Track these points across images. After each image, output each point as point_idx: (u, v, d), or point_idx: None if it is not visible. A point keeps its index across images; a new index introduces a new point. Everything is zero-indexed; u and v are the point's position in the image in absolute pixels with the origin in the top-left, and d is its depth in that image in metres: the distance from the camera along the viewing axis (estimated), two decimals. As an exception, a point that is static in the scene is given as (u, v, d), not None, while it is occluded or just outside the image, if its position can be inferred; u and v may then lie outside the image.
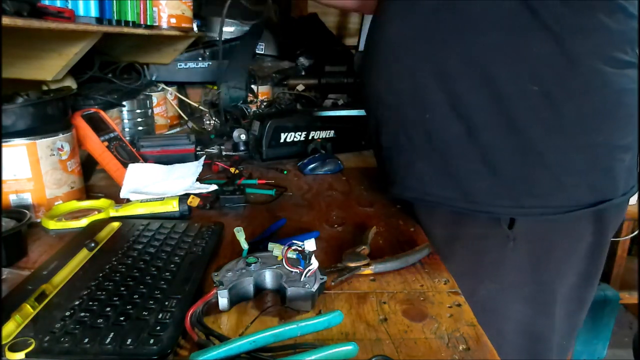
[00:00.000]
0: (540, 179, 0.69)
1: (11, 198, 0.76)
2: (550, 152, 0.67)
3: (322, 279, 0.55)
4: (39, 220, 0.77)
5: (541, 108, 0.66)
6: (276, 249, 0.59)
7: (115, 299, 0.52)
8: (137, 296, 0.53)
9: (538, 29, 0.63)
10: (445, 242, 0.77)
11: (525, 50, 0.65)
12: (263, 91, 1.61)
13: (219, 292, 0.52)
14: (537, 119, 0.66)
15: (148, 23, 1.15)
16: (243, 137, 1.19)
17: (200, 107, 1.43)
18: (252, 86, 1.47)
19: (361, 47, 1.87)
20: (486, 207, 0.72)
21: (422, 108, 0.72)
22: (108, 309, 0.50)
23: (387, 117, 0.78)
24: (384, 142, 0.80)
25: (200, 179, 0.95)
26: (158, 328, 0.47)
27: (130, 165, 0.92)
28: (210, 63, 1.60)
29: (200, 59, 1.60)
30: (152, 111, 1.32)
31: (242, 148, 1.19)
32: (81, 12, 0.88)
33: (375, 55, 0.77)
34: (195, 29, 1.45)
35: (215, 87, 1.68)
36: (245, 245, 0.61)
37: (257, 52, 1.81)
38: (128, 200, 0.84)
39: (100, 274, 0.57)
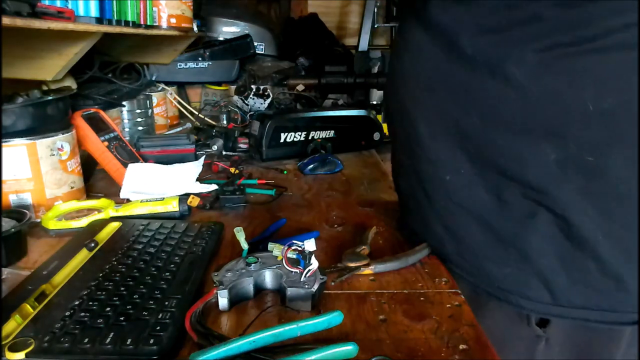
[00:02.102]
0: (587, 270, 0.53)
1: (11, 198, 0.76)
2: (601, 233, 0.51)
3: (322, 279, 0.55)
4: (39, 220, 0.77)
5: (583, 173, 0.50)
6: (276, 249, 0.59)
7: (115, 299, 0.52)
8: (137, 296, 0.53)
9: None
10: (473, 307, 0.65)
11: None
12: (263, 91, 1.62)
13: (219, 292, 0.52)
14: (579, 190, 0.50)
15: (148, 23, 1.15)
16: (215, 147, 1.20)
17: (229, 105, 1.42)
18: (252, 86, 1.47)
19: (361, 47, 1.87)
20: (513, 298, 0.58)
21: (442, 167, 0.60)
22: (108, 309, 0.50)
23: (406, 164, 0.68)
24: (402, 187, 0.72)
25: (200, 179, 0.95)
26: (158, 328, 0.47)
27: (130, 165, 0.92)
28: (210, 63, 1.60)
29: (200, 59, 1.60)
30: (152, 111, 1.32)
31: (223, 153, 1.21)
32: (81, 12, 0.88)
33: (392, 94, 0.68)
34: (195, 29, 1.45)
35: (216, 87, 1.68)
36: (245, 245, 0.61)
37: (257, 52, 1.81)
38: (128, 200, 0.84)
39: (100, 274, 0.57)
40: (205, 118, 1.50)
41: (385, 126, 1.42)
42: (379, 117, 1.40)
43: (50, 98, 0.79)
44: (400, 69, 0.65)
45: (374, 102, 1.52)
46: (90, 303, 0.51)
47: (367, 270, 0.62)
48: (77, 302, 0.51)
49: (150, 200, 0.80)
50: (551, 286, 0.55)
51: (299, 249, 0.57)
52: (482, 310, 0.61)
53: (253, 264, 0.57)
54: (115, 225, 0.73)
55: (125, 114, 1.20)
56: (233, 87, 1.62)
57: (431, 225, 0.65)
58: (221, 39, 1.77)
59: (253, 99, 1.43)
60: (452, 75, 0.56)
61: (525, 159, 0.52)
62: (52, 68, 0.91)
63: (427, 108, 0.61)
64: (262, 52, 1.86)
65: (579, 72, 0.47)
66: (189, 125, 1.52)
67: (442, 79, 0.58)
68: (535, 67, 0.49)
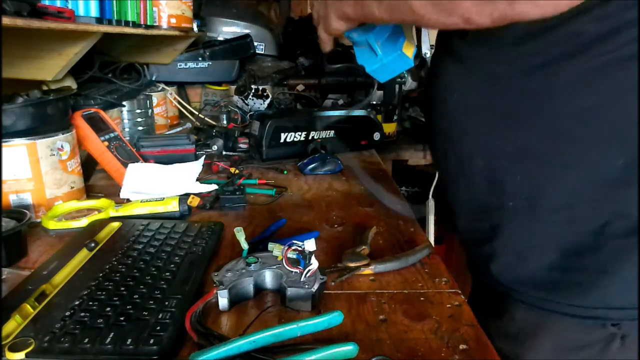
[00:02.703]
0: None
1: (11, 198, 0.76)
2: None
3: (322, 279, 0.55)
4: (39, 220, 0.77)
5: None
6: (276, 249, 0.59)
7: (115, 299, 0.52)
8: (137, 296, 0.53)
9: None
10: (526, 327, 0.63)
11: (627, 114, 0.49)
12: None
13: (219, 292, 0.52)
14: None
15: (148, 23, 1.15)
16: (215, 147, 1.20)
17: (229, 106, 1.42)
18: (252, 86, 1.47)
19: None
20: (600, 312, 0.57)
21: (501, 194, 0.59)
22: (108, 309, 0.50)
23: (463, 200, 0.66)
24: (460, 226, 0.70)
25: (200, 179, 0.95)
26: (158, 328, 0.47)
27: (130, 165, 0.92)
28: (210, 63, 1.60)
29: (200, 59, 1.60)
30: (152, 111, 1.32)
31: (223, 153, 1.21)
32: (81, 12, 0.88)
33: (437, 132, 0.67)
34: (195, 29, 1.45)
35: (216, 87, 1.68)
36: (245, 245, 0.61)
37: (257, 52, 1.81)
38: (128, 200, 0.84)
39: (100, 274, 0.57)
40: (205, 118, 1.50)
41: (385, 126, 1.42)
42: (379, 117, 1.40)
43: (50, 98, 0.79)
44: (443, 106, 0.64)
45: (374, 102, 1.52)
46: (90, 303, 0.51)
47: (367, 270, 0.62)
48: (77, 302, 0.51)
49: (150, 200, 0.80)
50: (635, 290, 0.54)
51: (299, 249, 0.57)
52: (544, 329, 0.61)
53: (253, 264, 0.57)
54: (115, 225, 0.73)
55: (125, 114, 1.20)
56: (233, 87, 1.62)
57: (500, 254, 0.63)
58: (221, 39, 1.77)
59: (252, 99, 1.43)
60: (501, 101, 0.56)
61: (593, 168, 0.53)
62: (52, 68, 0.91)
63: (481, 139, 0.60)
64: (262, 52, 1.85)
65: (631, 76, 0.48)
66: (189, 125, 1.52)
67: (490, 106, 0.58)
68: (585, 78, 0.50)
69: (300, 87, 1.59)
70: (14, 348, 0.43)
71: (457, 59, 0.61)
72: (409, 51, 0.62)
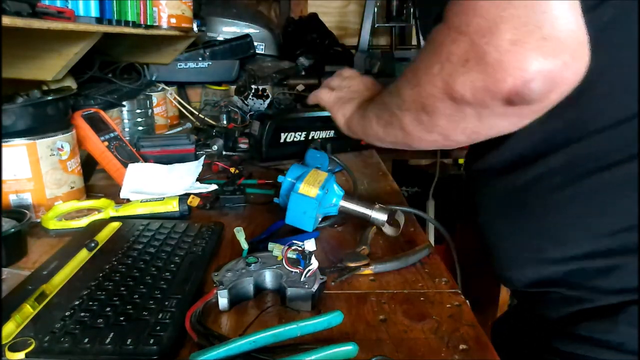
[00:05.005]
0: None
1: (11, 198, 0.76)
2: None
3: (322, 279, 0.55)
4: (39, 220, 0.77)
5: None
6: (276, 249, 0.59)
7: (115, 299, 0.52)
8: (137, 296, 0.53)
9: None
10: None
11: None
12: (263, 91, 1.61)
13: (219, 292, 0.53)
14: None
15: (148, 23, 1.15)
16: (215, 147, 1.20)
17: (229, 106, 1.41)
18: (252, 86, 1.47)
19: (361, 47, 1.87)
20: None
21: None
22: (108, 309, 0.50)
23: None
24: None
25: (200, 179, 0.95)
26: (158, 328, 0.47)
27: (130, 165, 0.92)
28: (210, 63, 1.60)
29: (200, 59, 1.60)
30: (152, 111, 1.32)
31: (223, 153, 1.21)
32: (81, 12, 0.88)
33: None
34: (195, 29, 1.45)
35: (216, 87, 1.68)
36: (245, 245, 0.61)
37: (257, 52, 1.81)
38: (128, 200, 0.84)
39: (100, 274, 0.57)
40: (205, 118, 1.50)
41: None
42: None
43: (50, 98, 0.79)
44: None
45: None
46: (90, 303, 0.51)
47: (367, 270, 0.62)
48: (77, 302, 0.51)
49: (150, 200, 0.80)
50: None
51: (299, 249, 0.57)
52: None
53: (253, 264, 0.57)
54: (115, 225, 0.73)
55: (125, 114, 1.20)
56: (233, 87, 1.62)
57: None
58: (221, 39, 1.77)
59: (252, 99, 1.43)
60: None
61: None
62: (52, 68, 0.91)
63: None
64: (262, 52, 1.86)
65: None
66: (189, 125, 1.52)
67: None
68: None
69: (300, 87, 1.59)
70: (14, 348, 0.44)
71: None
72: (310, 191, 0.71)
